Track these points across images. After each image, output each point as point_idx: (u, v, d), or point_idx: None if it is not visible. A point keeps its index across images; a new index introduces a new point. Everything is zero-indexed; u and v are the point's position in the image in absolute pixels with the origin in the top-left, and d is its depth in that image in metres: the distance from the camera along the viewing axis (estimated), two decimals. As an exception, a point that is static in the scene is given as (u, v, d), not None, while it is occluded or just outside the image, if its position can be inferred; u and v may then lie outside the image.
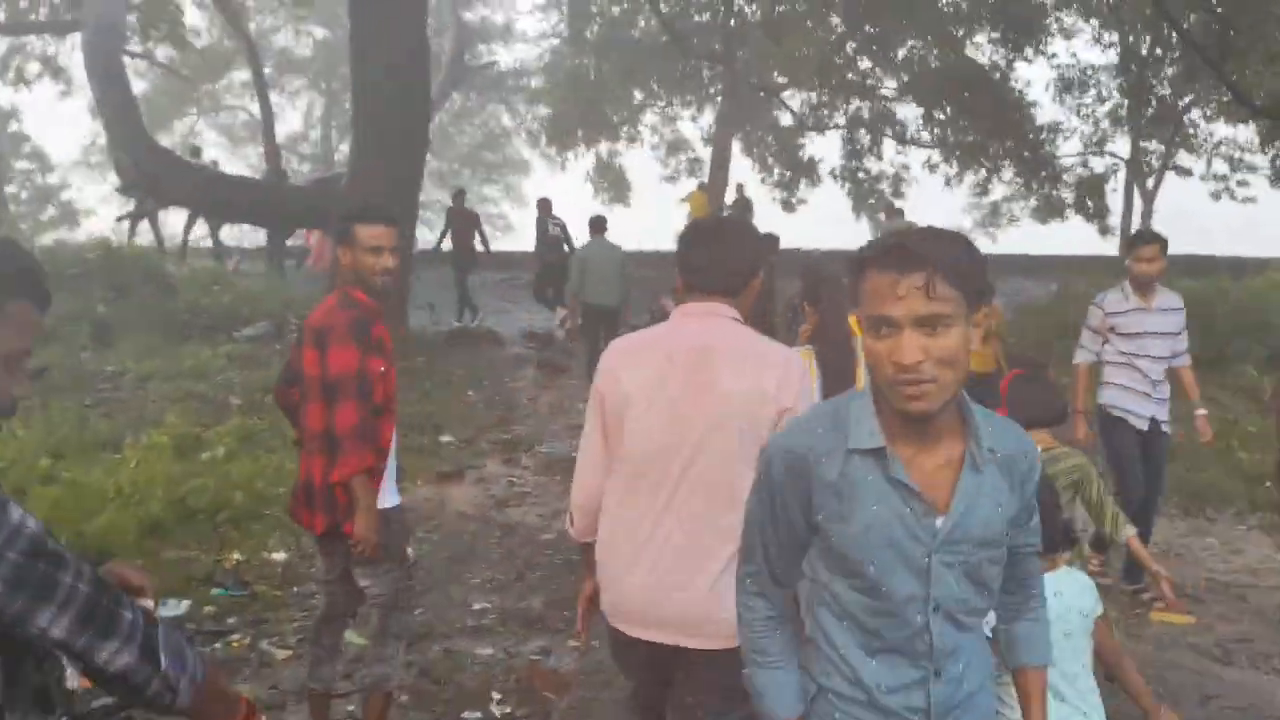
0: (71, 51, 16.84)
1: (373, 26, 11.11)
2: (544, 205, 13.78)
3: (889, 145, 21.17)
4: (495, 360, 12.20)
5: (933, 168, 21.35)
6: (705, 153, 24.61)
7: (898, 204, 21.33)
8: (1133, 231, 23.29)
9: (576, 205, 25.54)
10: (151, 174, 10.96)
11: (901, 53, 19.03)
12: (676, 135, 24.98)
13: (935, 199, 23.02)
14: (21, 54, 17.14)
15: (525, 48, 26.16)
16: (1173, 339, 5.31)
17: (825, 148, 23.78)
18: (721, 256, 2.49)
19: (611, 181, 24.05)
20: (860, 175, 22.24)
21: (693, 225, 2.85)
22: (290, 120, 27.43)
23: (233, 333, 11.93)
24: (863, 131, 20.79)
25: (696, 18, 22.79)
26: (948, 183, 20.93)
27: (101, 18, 11.82)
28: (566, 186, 25.99)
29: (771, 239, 9.46)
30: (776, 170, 23.87)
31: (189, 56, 21.35)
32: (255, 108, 27.33)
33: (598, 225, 10.59)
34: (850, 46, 20.05)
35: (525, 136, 27.66)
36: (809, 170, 23.85)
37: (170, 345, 11.25)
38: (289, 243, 16.66)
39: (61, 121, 24.08)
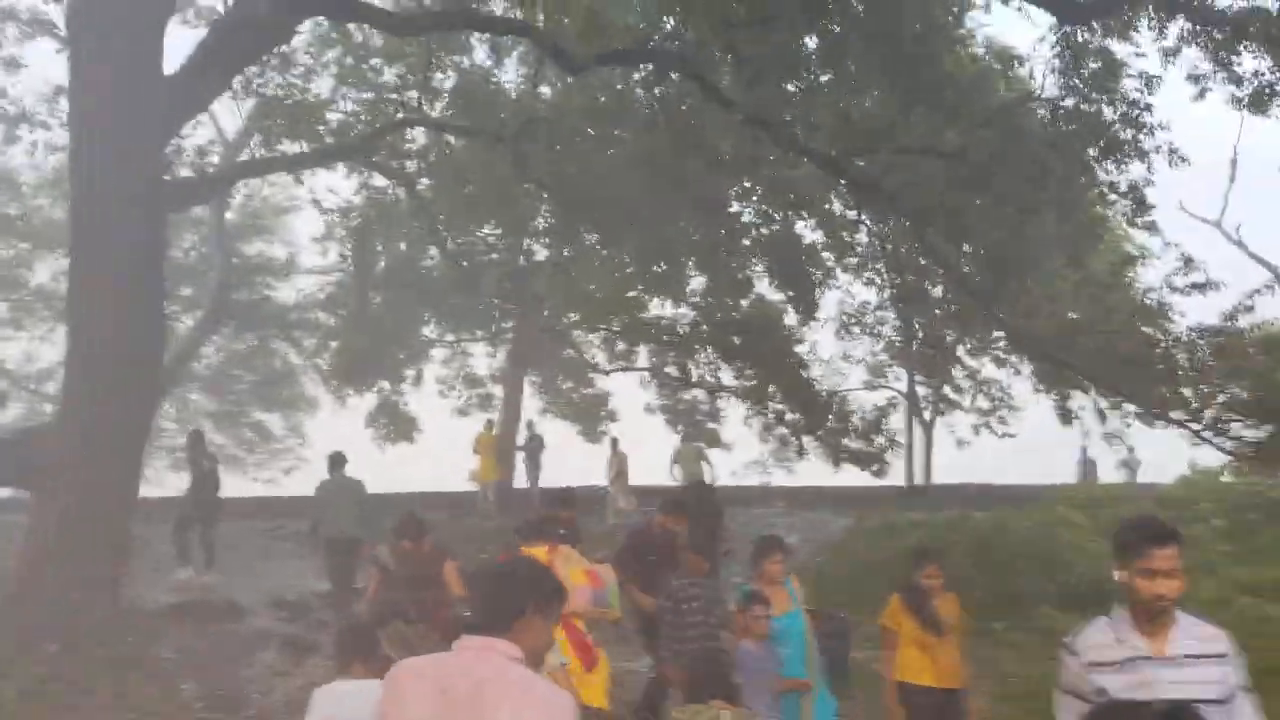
0: None
1: (95, 254, 9.82)
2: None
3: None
4: (228, 638, 10.28)
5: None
6: (496, 389, 23.93)
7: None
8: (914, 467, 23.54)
9: (360, 444, 24.06)
10: None
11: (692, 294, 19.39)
12: (468, 370, 24.25)
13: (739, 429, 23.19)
14: None
15: (308, 281, 25.10)
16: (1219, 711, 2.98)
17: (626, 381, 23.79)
18: (492, 595, 2.68)
19: (394, 421, 22.75)
20: (680, 408, 22.10)
21: (477, 570, 3.25)
22: (47, 356, 24.72)
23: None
24: (668, 370, 20.88)
25: (486, 256, 22.66)
26: (746, 421, 21.04)
27: None
28: (354, 424, 24.51)
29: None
30: (569, 408, 23.54)
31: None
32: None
33: (336, 461, 11.17)
34: (639, 287, 20.23)
35: (311, 374, 26.22)
36: (603, 414, 23.74)
37: None
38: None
39: None
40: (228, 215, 23.09)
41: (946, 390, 24.69)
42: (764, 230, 16.81)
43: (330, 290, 23.54)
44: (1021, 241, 13.66)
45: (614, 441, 19.57)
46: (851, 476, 20.43)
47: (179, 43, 10.70)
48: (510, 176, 13.89)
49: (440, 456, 24.49)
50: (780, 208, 16.00)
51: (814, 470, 23.38)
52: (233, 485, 25.47)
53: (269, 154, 13.16)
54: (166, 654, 9.52)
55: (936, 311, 19.49)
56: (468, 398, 24.11)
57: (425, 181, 16.04)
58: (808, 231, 18.31)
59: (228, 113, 16.36)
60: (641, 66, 12.83)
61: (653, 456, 20.33)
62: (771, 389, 16.02)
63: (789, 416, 16.56)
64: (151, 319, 10.28)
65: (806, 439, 18.91)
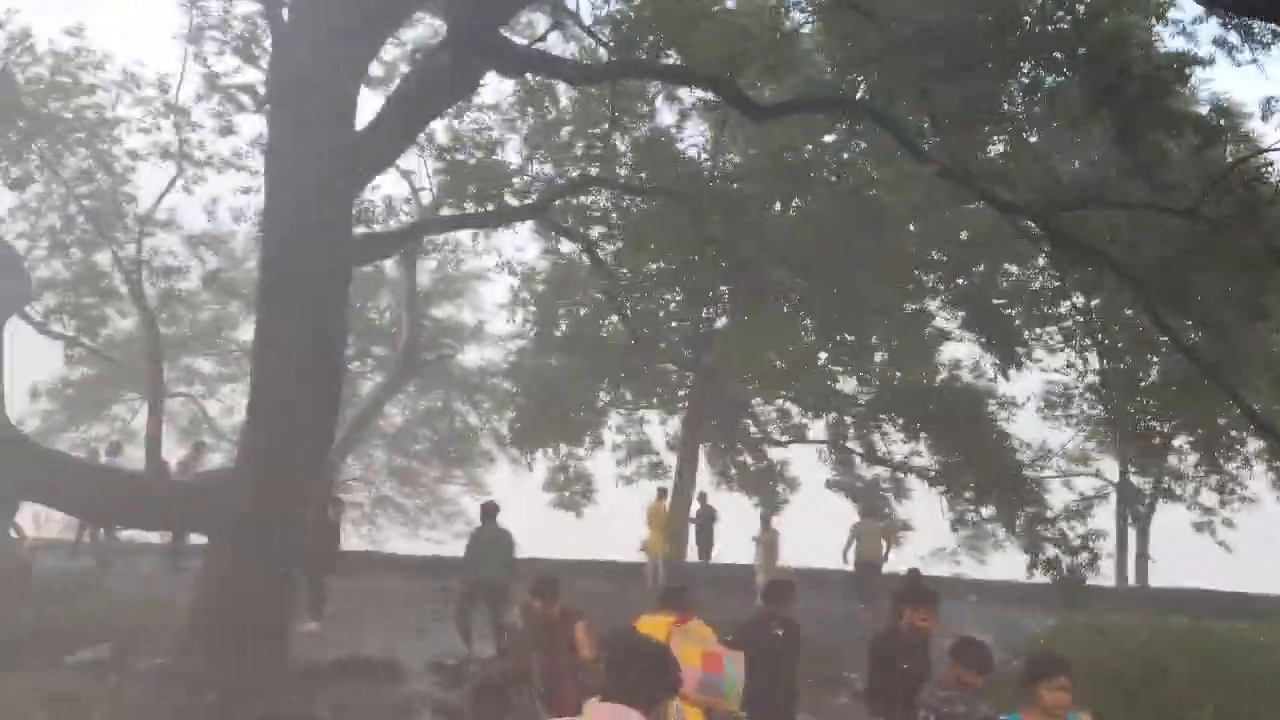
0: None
1: (281, 312, 9.99)
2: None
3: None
4: (385, 700, 10.01)
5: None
6: (669, 458, 23.38)
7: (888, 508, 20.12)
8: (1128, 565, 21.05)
9: (538, 506, 24.02)
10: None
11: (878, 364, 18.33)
12: (641, 438, 23.82)
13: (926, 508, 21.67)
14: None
15: (494, 350, 25.67)
16: None
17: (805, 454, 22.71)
18: (639, 673, 2.78)
19: (571, 485, 22.58)
20: (859, 485, 20.97)
21: (626, 640, 3.17)
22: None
23: (66, 657, 9.85)
24: (846, 442, 19.76)
25: (666, 323, 22.43)
26: (941, 506, 19.61)
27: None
28: (530, 486, 24.56)
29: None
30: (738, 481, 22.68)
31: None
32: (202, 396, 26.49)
33: (489, 512, 11.98)
34: (822, 357, 19.37)
35: (491, 436, 26.63)
36: (781, 484, 22.74)
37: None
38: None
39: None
40: (421, 280, 24.00)
41: (1165, 482, 22.21)
42: (957, 282, 15.53)
43: (512, 358, 23.87)
44: (1262, 312, 12.03)
45: (764, 518, 18.61)
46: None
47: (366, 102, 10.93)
48: (690, 239, 13.51)
49: (611, 523, 24.15)
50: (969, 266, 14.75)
51: (1008, 563, 21.54)
52: (403, 544, 26.10)
53: (454, 213, 13.34)
54: (322, 713, 9.31)
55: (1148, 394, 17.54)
56: (640, 465, 23.63)
57: (606, 246, 15.90)
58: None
59: (416, 170, 16.88)
60: (830, 127, 12.23)
61: (824, 538, 19.26)
62: (966, 469, 14.59)
63: (984, 507, 15.02)
64: (330, 373, 10.33)
65: (1002, 528, 17.36)
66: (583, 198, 14.25)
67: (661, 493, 19.91)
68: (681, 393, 23.11)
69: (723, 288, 20.87)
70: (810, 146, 14.51)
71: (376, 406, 21.60)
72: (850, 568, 16.78)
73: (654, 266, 20.08)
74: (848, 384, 18.99)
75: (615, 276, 16.98)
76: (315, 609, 12.55)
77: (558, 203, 13.65)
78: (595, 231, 15.45)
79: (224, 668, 9.27)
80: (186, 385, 26.18)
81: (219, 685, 9.05)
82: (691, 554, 20.34)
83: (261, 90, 13.18)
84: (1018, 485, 14.80)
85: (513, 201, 13.38)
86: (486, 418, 25.82)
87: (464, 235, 24.03)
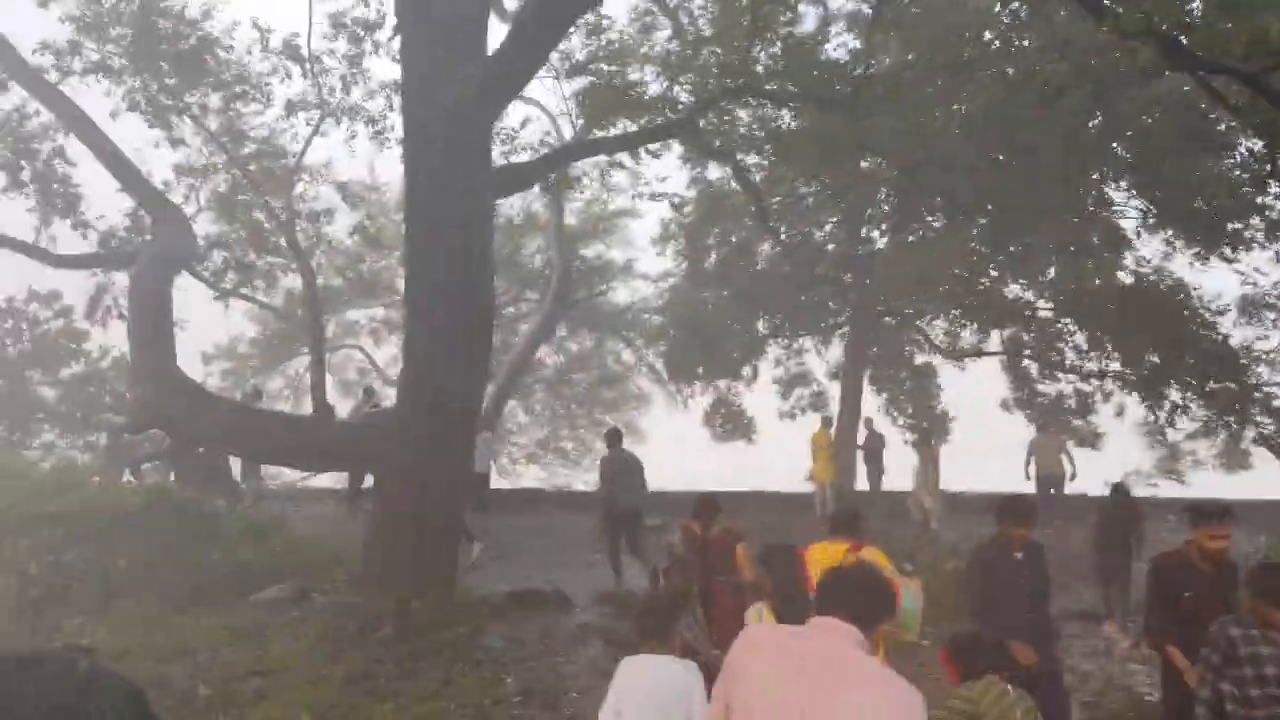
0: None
1: (426, 247, 9.89)
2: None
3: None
4: (554, 630, 9.93)
5: (1106, 395, 18.72)
6: (831, 387, 22.60)
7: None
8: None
9: (699, 442, 23.75)
10: (169, 412, 9.73)
11: (1052, 271, 16.88)
12: (801, 369, 23.07)
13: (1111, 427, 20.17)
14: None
15: (645, 286, 25.39)
16: None
17: (970, 377, 21.43)
18: (866, 597, 2.80)
19: (730, 419, 22.17)
20: (1039, 403, 19.60)
21: (839, 571, 3.01)
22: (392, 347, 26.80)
23: (250, 596, 10.21)
24: (1024, 357, 18.44)
25: (821, 247, 21.54)
26: (1119, 414, 18.14)
27: (159, 249, 11.23)
28: (689, 423, 24.35)
29: None
30: (908, 411, 21.64)
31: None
32: (371, 347, 27.35)
33: (615, 438, 11.73)
34: (992, 269, 18.07)
35: (646, 373, 26.53)
36: (940, 422, 21.63)
37: (171, 612, 9.56)
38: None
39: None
40: (569, 221, 23.91)
41: None
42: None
43: (665, 293, 23.52)
44: None
45: (921, 434, 17.40)
46: (1256, 486, 16.94)
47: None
48: (845, 149, 12.62)
49: (773, 460, 23.65)
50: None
51: (1209, 481, 19.75)
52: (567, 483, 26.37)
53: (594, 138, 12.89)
54: (494, 644, 9.30)
55: None
56: (801, 397, 22.95)
57: (754, 160, 15.09)
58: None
59: (552, 99, 16.54)
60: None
61: (1003, 459, 18.11)
62: (1173, 367, 13.16)
63: (1194, 404, 13.59)
64: (480, 307, 10.21)
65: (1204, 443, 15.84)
66: (727, 115, 13.48)
67: (826, 421, 19.22)
68: (841, 318, 22.27)
69: (882, 204, 19.89)
70: (972, 36, 13.27)
71: (531, 348, 21.69)
72: (1031, 485, 15.81)
73: (806, 189, 19.23)
74: (1023, 294, 17.65)
75: (766, 200, 16.21)
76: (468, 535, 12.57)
77: (701, 121, 12.96)
78: (742, 152, 14.64)
79: (397, 600, 9.41)
80: (353, 337, 27.11)
81: (392, 621, 9.19)
82: (860, 482, 19.64)
83: (388, 28, 13.09)
84: (1235, 372, 13.23)
85: (651, 122, 12.80)
86: (640, 355, 25.64)
87: (610, 170, 23.87)
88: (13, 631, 9.41)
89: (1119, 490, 10.94)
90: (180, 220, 12.86)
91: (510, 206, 24.49)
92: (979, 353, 19.59)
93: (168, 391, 9.73)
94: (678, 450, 24.33)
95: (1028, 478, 16.11)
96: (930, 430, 17.61)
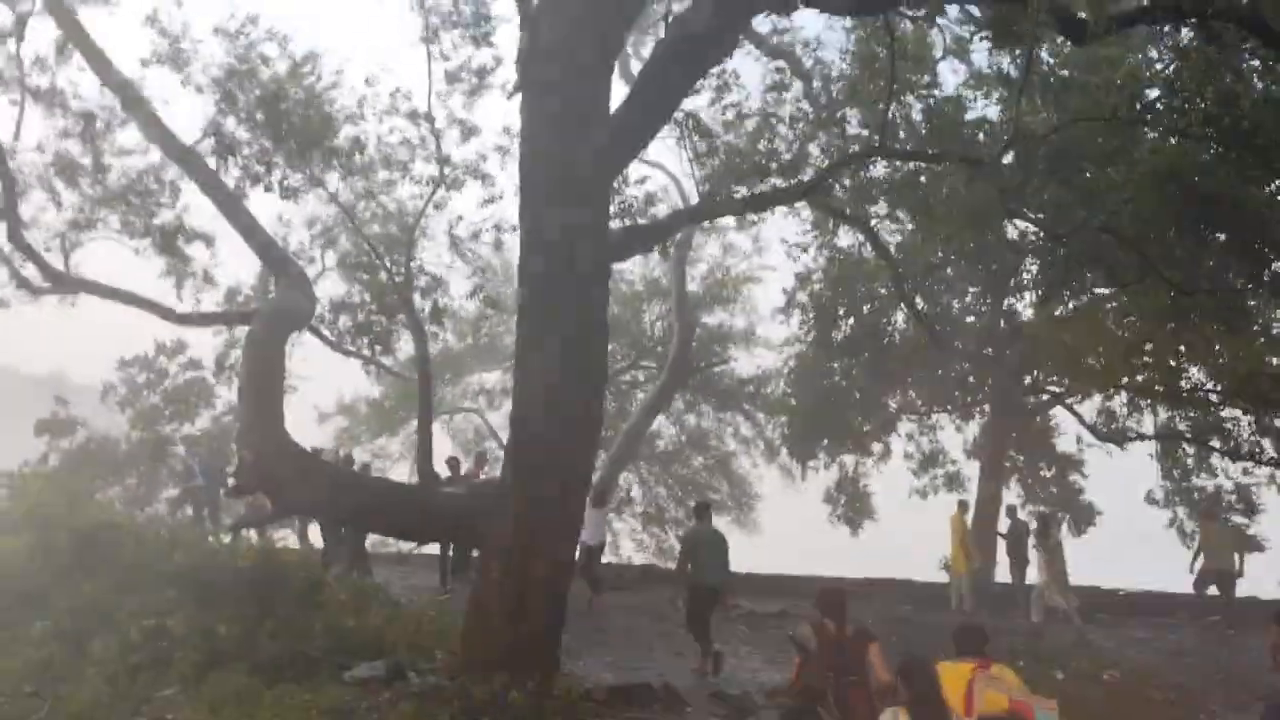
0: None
1: (541, 310, 9.38)
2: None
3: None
4: (662, 734, 9.03)
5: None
6: (968, 466, 21.08)
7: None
8: None
9: (813, 527, 22.43)
10: (274, 475, 9.40)
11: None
12: (935, 446, 21.63)
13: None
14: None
15: (768, 355, 24.45)
16: None
17: (1118, 465, 19.66)
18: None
19: (853, 499, 20.90)
20: (1196, 497, 17.77)
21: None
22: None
23: (344, 672, 9.68)
24: (1183, 447, 16.74)
25: (961, 319, 20.30)
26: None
27: (275, 305, 11.11)
28: (801, 506, 23.13)
29: None
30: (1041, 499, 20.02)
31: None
32: (488, 410, 27.14)
33: (702, 511, 11.77)
34: (1149, 347, 16.51)
35: (762, 448, 25.35)
36: (1087, 514, 19.92)
37: (265, 685, 9.10)
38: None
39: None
40: (691, 288, 23.36)
41: None
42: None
43: (790, 364, 22.52)
44: None
45: (1042, 521, 15.45)
46: None
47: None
48: (992, 211, 11.62)
49: (901, 541, 22.22)
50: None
51: None
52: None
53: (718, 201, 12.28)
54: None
55: None
56: (935, 476, 21.47)
57: (890, 230, 14.23)
58: None
59: (674, 160, 16.18)
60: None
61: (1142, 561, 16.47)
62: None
63: None
64: (594, 373, 9.59)
65: None
66: (861, 175, 12.69)
67: (962, 505, 17.84)
68: (980, 396, 20.86)
69: (1025, 271, 18.59)
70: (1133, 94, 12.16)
71: (649, 416, 21.01)
72: (1192, 582, 14.25)
73: (943, 254, 18.11)
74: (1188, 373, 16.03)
75: (901, 265, 15.23)
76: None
77: (833, 183, 12.20)
78: (877, 214, 13.78)
79: (494, 688, 8.72)
80: (471, 400, 27.01)
81: (488, 708, 8.50)
82: (1003, 573, 18.06)
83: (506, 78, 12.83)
84: None
85: (780, 184, 12.12)
86: (760, 429, 24.63)
87: (734, 235, 23.21)
88: (107, 700, 9.11)
89: None
90: (301, 279, 12.81)
91: (630, 272, 24.14)
92: (1137, 436, 17.88)
93: (272, 453, 9.42)
94: (794, 531, 23.14)
95: (1191, 571, 14.52)
96: (1050, 519, 16.04)
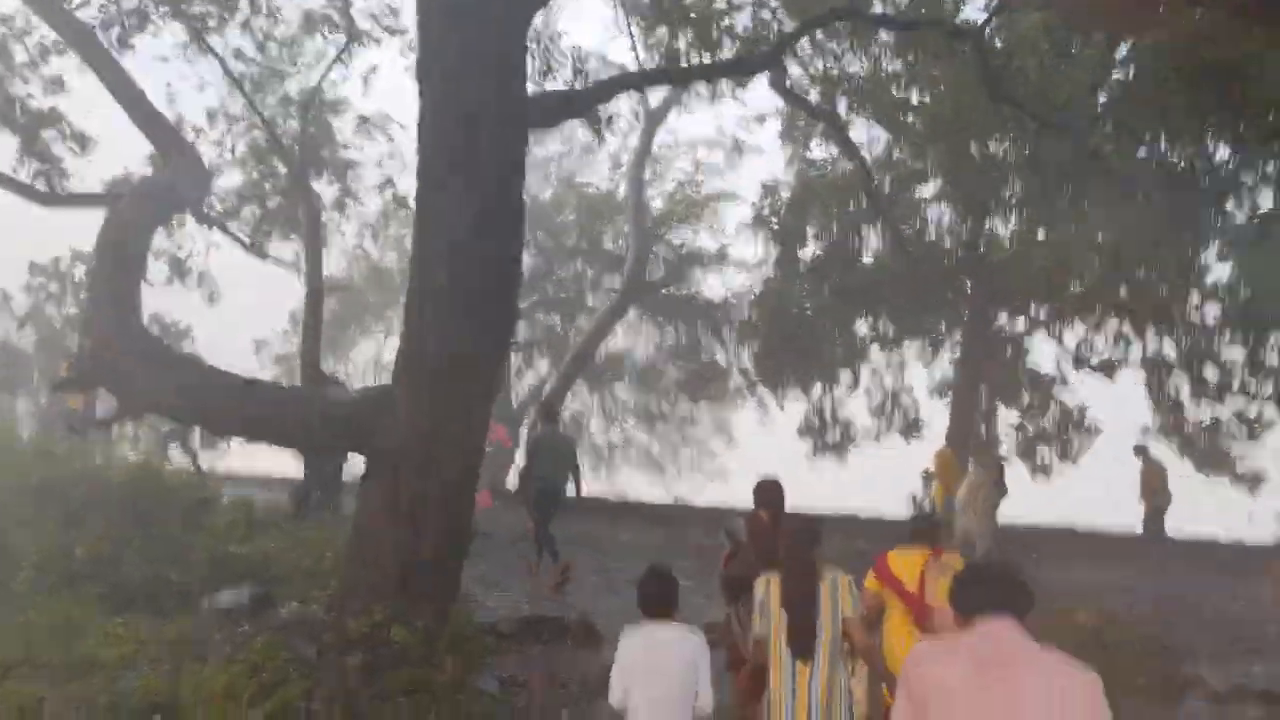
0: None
1: (440, 184, 7.95)
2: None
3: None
4: (572, 671, 7.86)
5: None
6: (934, 403, 19.98)
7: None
8: None
9: (793, 455, 21.28)
10: (118, 367, 7.98)
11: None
12: (902, 383, 20.47)
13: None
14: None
15: (741, 277, 23.08)
16: None
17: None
18: (1017, 586, 3.00)
19: (827, 431, 19.77)
20: (1189, 431, 16.59)
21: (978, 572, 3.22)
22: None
23: (205, 601, 8.39)
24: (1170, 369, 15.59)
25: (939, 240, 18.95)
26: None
27: (149, 183, 9.66)
28: (782, 433, 21.95)
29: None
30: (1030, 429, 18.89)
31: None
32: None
33: (548, 415, 11.46)
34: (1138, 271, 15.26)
35: (740, 376, 24.13)
36: (1083, 431, 18.85)
37: (93, 614, 7.79)
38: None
39: None
40: (655, 205, 21.97)
41: None
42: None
43: (759, 285, 21.15)
44: None
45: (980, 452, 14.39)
46: None
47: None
48: (981, 97, 10.15)
49: (875, 474, 21.15)
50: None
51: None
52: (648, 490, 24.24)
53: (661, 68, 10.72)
54: (487, 687, 7.32)
55: None
56: (905, 409, 20.32)
57: (862, 138, 12.70)
58: None
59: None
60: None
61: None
62: None
63: None
64: (503, 259, 8.16)
65: None
66: (828, 49, 11.19)
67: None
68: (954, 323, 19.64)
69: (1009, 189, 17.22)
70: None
71: (599, 334, 19.66)
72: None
73: (921, 164, 16.70)
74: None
75: (871, 172, 13.83)
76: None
77: (796, 62, 10.72)
78: (844, 102, 12.31)
79: (375, 619, 7.45)
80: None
81: (365, 641, 7.26)
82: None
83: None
84: None
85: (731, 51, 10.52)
86: (733, 353, 23.35)
87: (704, 150, 21.76)
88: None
89: None
90: (194, 161, 11.24)
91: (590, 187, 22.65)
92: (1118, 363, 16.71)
93: (121, 341, 7.99)
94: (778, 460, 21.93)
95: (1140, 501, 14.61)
96: (990, 444, 14.79)
